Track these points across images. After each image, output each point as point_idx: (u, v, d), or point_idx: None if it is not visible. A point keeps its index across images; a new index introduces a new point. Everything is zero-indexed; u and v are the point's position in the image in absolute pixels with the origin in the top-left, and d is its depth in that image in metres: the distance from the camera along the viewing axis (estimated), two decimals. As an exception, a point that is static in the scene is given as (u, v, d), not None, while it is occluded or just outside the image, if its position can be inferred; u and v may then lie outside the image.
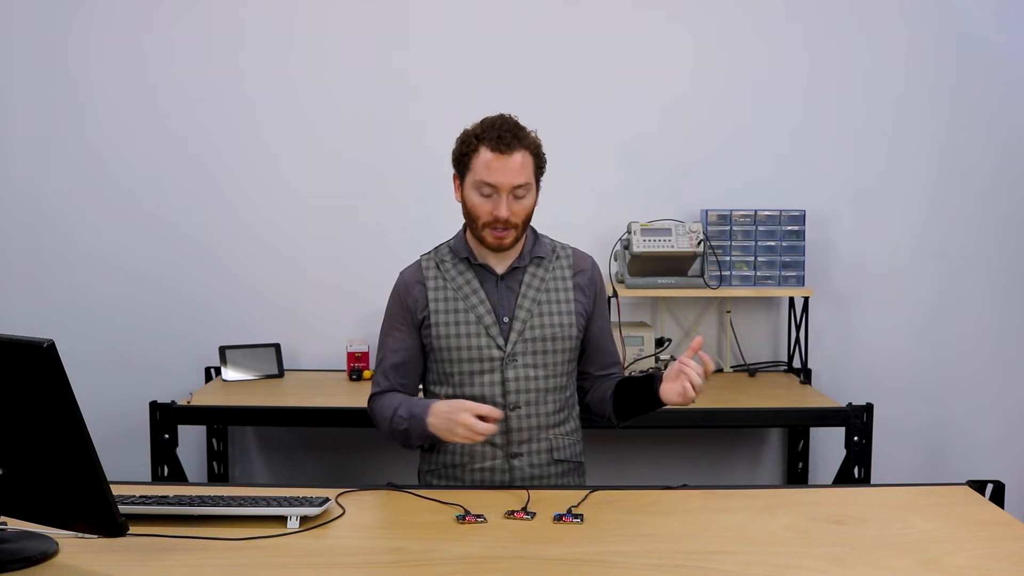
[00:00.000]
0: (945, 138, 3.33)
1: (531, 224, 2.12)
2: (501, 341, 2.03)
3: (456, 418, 1.85)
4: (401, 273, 2.15)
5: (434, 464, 2.09)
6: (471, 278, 2.07)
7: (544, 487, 1.98)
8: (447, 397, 2.06)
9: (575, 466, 2.12)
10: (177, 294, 3.34)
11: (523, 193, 1.98)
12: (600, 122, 3.31)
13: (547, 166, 2.07)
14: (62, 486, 1.45)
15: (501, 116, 2.01)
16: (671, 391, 1.90)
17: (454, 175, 2.06)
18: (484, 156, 1.96)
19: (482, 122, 2.01)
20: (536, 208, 2.07)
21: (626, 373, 2.20)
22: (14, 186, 3.33)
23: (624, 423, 2.11)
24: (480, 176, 1.97)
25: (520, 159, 1.96)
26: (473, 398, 2.01)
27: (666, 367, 3.18)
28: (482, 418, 1.84)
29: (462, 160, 2.02)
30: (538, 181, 2.04)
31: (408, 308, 2.09)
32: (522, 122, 2.03)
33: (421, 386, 2.18)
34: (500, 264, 2.08)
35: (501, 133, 1.96)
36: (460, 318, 2.04)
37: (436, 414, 1.91)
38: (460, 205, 2.07)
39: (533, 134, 2.02)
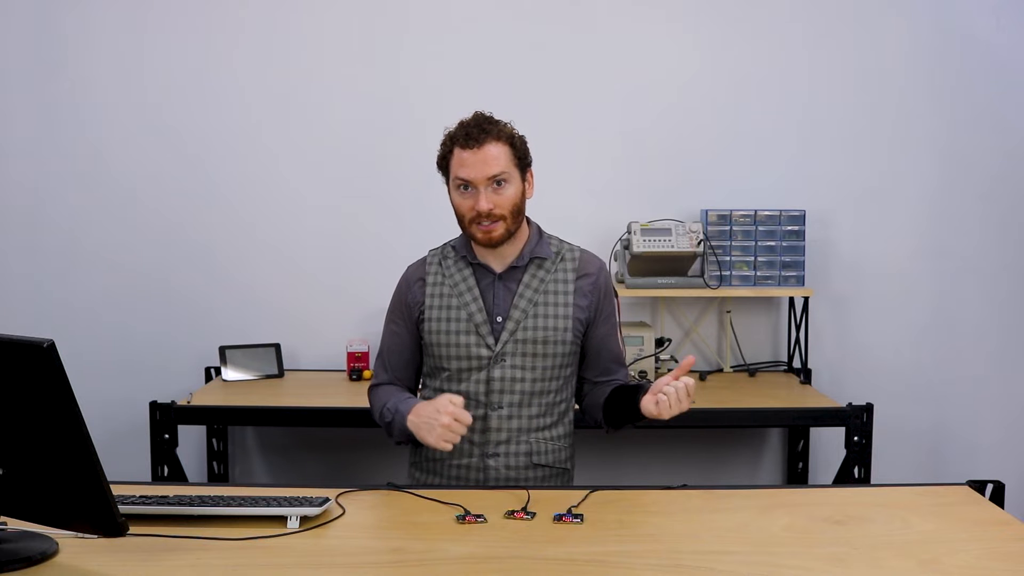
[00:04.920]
0: (945, 138, 3.33)
1: (536, 224, 2.12)
2: (491, 340, 2.02)
3: (435, 419, 1.87)
4: (407, 267, 2.17)
5: (418, 456, 2.12)
6: (468, 276, 2.07)
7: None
8: (436, 391, 2.07)
9: (558, 472, 2.09)
10: (177, 294, 3.34)
11: (502, 183, 1.97)
12: (600, 122, 3.31)
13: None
14: (62, 486, 1.45)
15: (474, 114, 2.03)
16: (648, 402, 1.88)
17: (444, 180, 2.08)
18: (457, 155, 1.98)
19: (458, 123, 2.02)
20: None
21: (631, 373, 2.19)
22: (14, 186, 3.33)
23: (615, 430, 2.10)
24: (456, 174, 1.99)
25: (492, 150, 1.96)
26: (458, 395, 2.00)
27: (669, 370, 3.18)
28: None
29: (443, 163, 2.04)
30: (523, 171, 2.03)
31: (406, 303, 2.12)
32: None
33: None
34: (499, 263, 2.07)
35: (469, 130, 1.98)
36: (452, 315, 2.05)
37: (417, 413, 1.94)
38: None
39: (507, 125, 2.02)
